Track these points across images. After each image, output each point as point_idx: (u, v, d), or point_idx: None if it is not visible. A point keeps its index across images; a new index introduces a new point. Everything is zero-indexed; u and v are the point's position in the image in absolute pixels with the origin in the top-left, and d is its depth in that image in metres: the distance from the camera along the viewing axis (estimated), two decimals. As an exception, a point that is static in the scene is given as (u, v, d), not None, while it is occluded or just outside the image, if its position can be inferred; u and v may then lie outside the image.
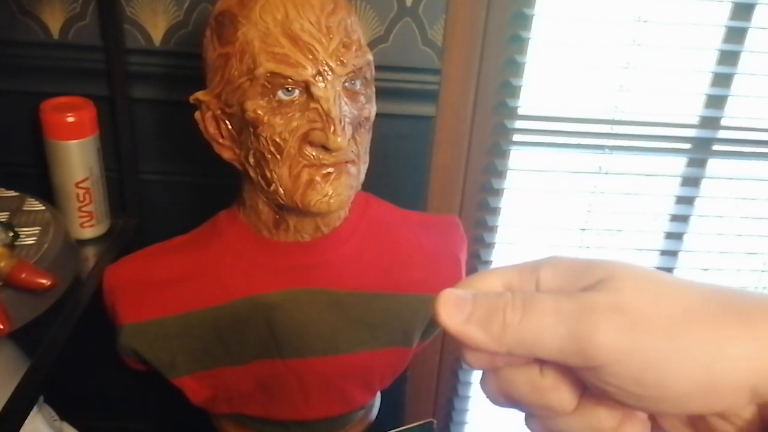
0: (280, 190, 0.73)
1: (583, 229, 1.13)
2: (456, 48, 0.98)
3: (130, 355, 0.83)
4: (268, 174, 0.73)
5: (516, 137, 1.06)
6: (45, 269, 0.81)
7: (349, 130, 0.71)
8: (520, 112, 1.05)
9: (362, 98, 0.74)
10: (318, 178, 0.72)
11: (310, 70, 0.69)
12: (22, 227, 0.87)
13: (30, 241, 0.85)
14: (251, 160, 0.74)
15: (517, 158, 1.08)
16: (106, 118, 0.98)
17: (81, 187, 0.95)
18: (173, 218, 1.09)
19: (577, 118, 1.06)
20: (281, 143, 0.71)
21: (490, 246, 1.13)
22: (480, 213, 1.11)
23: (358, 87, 0.74)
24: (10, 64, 0.97)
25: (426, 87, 1.01)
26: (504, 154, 1.07)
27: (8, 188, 0.96)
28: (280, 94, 0.70)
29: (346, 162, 0.73)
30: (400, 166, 1.06)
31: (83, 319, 0.86)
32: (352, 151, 0.74)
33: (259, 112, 0.71)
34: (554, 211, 1.13)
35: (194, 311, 0.81)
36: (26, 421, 0.94)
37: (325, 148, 0.70)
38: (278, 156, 0.72)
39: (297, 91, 0.70)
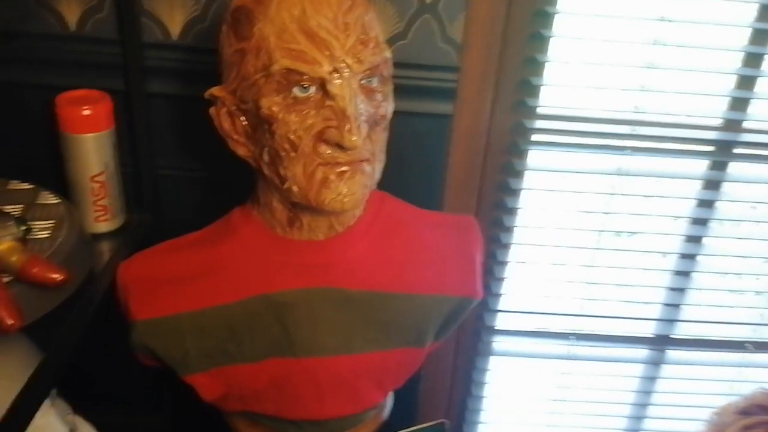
0: (294, 188, 0.72)
1: (601, 231, 1.11)
2: (475, 45, 0.97)
3: (143, 352, 0.83)
4: (282, 172, 0.72)
5: (534, 137, 1.04)
6: (58, 264, 0.81)
7: (364, 128, 0.70)
8: (539, 111, 1.03)
9: (379, 96, 0.73)
10: (332, 177, 0.71)
11: (326, 67, 0.68)
12: (36, 221, 0.87)
13: (43, 234, 0.85)
14: (266, 157, 0.73)
15: (536, 158, 1.06)
16: (123, 112, 0.97)
17: (96, 181, 0.94)
18: (189, 213, 1.08)
19: (597, 118, 1.04)
20: (296, 141, 0.70)
21: (506, 247, 1.12)
22: (497, 213, 1.10)
23: (375, 84, 0.73)
24: (27, 56, 0.97)
25: (444, 85, 0.99)
26: (522, 154, 1.05)
27: (23, 181, 0.96)
28: (296, 91, 0.69)
29: (361, 161, 0.72)
30: (416, 165, 1.05)
31: (98, 314, 0.86)
32: (368, 150, 0.73)
33: (274, 109, 0.70)
34: (572, 213, 1.11)
35: (207, 308, 0.80)
36: (38, 414, 0.94)
37: (340, 147, 0.69)
38: (293, 153, 0.71)
39: (313, 88, 0.69)
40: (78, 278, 0.85)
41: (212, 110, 0.76)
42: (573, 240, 1.12)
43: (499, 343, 1.21)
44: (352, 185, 0.72)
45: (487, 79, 0.99)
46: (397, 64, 0.97)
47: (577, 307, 1.18)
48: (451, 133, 1.03)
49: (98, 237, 0.99)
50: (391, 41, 0.97)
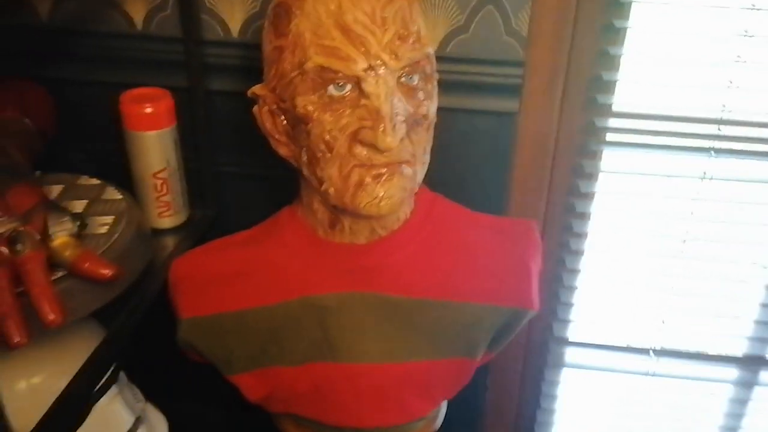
0: (331, 190, 0.70)
1: (684, 240, 1.02)
2: (542, 38, 0.91)
3: (189, 349, 0.84)
4: (320, 173, 0.70)
5: (609, 136, 0.97)
6: (113, 259, 0.83)
7: (402, 128, 0.66)
8: (613, 109, 0.96)
9: (420, 94, 0.69)
10: (368, 179, 0.68)
11: (360, 65, 0.65)
12: (98, 216, 0.90)
13: (102, 230, 0.87)
14: (304, 157, 0.71)
15: (610, 159, 0.99)
16: (185, 109, 0.99)
17: (158, 178, 0.96)
18: (250, 210, 1.08)
19: (679, 116, 0.95)
20: (331, 141, 0.68)
21: (577, 253, 1.05)
22: (567, 218, 1.03)
23: (416, 82, 0.69)
24: (96, 54, 1.00)
25: (509, 81, 0.94)
26: (594, 155, 0.98)
27: (93, 176, 0.99)
28: (331, 89, 0.66)
29: (400, 163, 0.69)
30: (480, 165, 1.00)
31: (163, 305, 0.87)
32: (407, 151, 0.69)
33: (310, 108, 0.68)
34: (651, 219, 1.02)
35: (250, 309, 0.80)
36: (104, 400, 0.97)
37: (376, 148, 0.66)
38: (328, 155, 0.68)
39: (348, 87, 0.66)
40: (132, 274, 0.87)
41: (255, 109, 0.75)
42: (652, 247, 1.03)
43: (571, 354, 1.14)
44: (390, 188, 0.68)
45: (556, 75, 0.93)
46: (458, 60, 0.93)
47: (657, 320, 1.09)
48: (516, 131, 0.97)
49: (162, 232, 1.01)
50: (451, 35, 0.92)
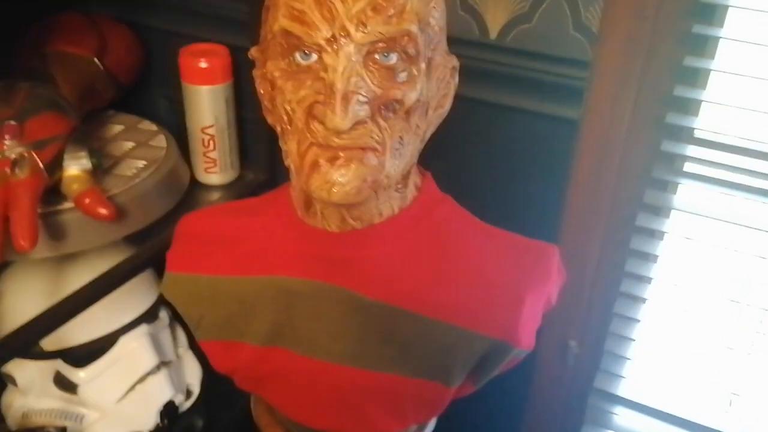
0: (291, 166, 0.65)
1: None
2: (615, 37, 0.77)
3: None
4: (283, 146, 0.66)
5: (687, 167, 0.80)
6: (124, 201, 0.86)
7: (360, 110, 0.59)
8: (696, 135, 0.78)
9: (402, 76, 0.61)
10: (322, 161, 0.62)
11: (323, 33, 0.58)
12: (136, 159, 0.93)
13: (129, 172, 0.90)
14: (278, 128, 0.67)
15: (686, 195, 0.81)
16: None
17: (206, 133, 0.98)
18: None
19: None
20: (290, 112, 0.62)
21: (634, 299, 0.88)
22: (627, 257, 0.87)
23: (394, 62, 0.61)
24: (187, 7, 1.02)
25: (571, 83, 0.81)
26: (666, 186, 0.81)
27: (154, 122, 1.03)
28: (298, 56, 0.61)
29: (364, 149, 0.62)
30: (535, 172, 0.88)
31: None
32: (372, 138, 0.62)
33: (276, 74, 0.63)
34: (732, 274, 0.83)
35: (224, 277, 0.77)
36: (131, 336, 1.02)
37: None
38: (288, 127, 0.63)
39: (315, 56, 0.60)
40: (146, 219, 0.89)
41: (253, 71, 0.72)
42: (729, 309, 0.84)
43: (618, 416, 0.98)
44: (345, 175, 0.61)
45: (627, 82, 0.78)
46: (518, 52, 0.83)
47: (725, 397, 0.89)
48: (577, 142, 0.84)
49: (208, 187, 1.02)
50: (512, 23, 0.82)
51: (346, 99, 0.57)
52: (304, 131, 0.62)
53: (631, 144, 0.81)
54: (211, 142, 0.98)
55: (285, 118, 0.63)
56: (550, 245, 0.75)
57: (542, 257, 0.73)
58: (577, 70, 0.80)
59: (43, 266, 0.95)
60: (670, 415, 0.94)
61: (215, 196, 1.01)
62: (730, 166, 0.77)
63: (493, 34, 0.83)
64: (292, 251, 0.73)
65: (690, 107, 0.77)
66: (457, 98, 0.87)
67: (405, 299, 0.70)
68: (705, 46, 0.74)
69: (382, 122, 0.61)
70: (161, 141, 0.97)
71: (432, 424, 0.86)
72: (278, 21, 0.60)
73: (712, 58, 0.75)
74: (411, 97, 0.62)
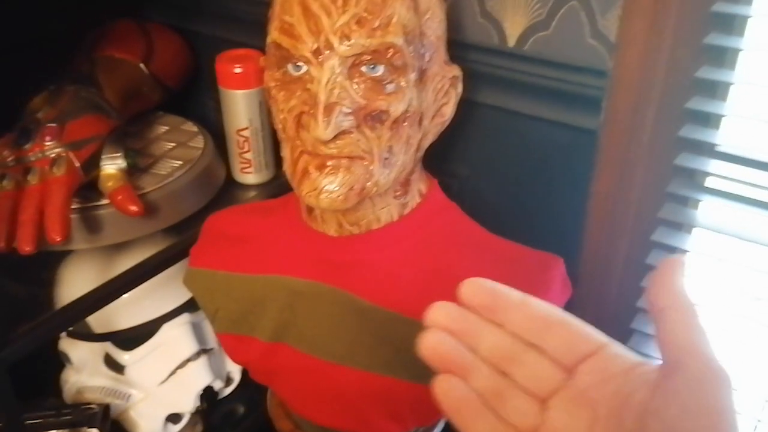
0: (287, 172, 0.68)
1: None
2: (633, 46, 0.74)
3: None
4: (281, 152, 0.69)
5: (710, 182, 0.76)
6: (157, 198, 0.91)
7: (345, 120, 0.61)
8: (719, 149, 0.75)
9: (389, 87, 0.63)
10: (312, 168, 0.64)
11: (309, 45, 0.61)
12: (173, 159, 0.99)
13: (164, 171, 0.95)
14: (278, 135, 0.70)
15: (709, 211, 0.78)
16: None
17: (241, 135, 1.02)
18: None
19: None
20: (282, 122, 0.65)
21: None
22: (647, 273, 0.84)
23: (381, 73, 0.62)
24: (232, 15, 1.07)
25: (589, 92, 0.79)
26: (687, 203, 0.78)
27: (197, 124, 1.09)
28: (290, 68, 0.64)
29: (351, 158, 0.63)
30: (555, 181, 0.87)
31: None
32: (359, 147, 0.63)
33: (271, 83, 0.66)
34: (758, 297, 0.79)
35: (237, 274, 0.81)
36: (174, 323, 1.08)
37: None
38: (283, 134, 0.67)
39: (305, 68, 0.63)
40: (178, 215, 0.94)
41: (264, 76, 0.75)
42: (748, 326, 0.80)
43: None
44: (332, 182, 0.64)
45: (647, 93, 0.75)
46: (535, 60, 0.82)
47: (747, 419, 0.84)
48: (596, 154, 0.82)
49: (245, 187, 1.07)
50: (530, 31, 0.80)
51: (328, 110, 0.59)
52: (294, 139, 0.64)
53: (653, 156, 0.78)
54: (246, 144, 1.02)
55: (280, 126, 0.66)
56: (554, 257, 0.74)
57: (543, 268, 0.72)
58: (595, 79, 0.78)
59: (96, 255, 1.02)
60: None
61: (251, 194, 1.05)
62: (753, 184, 0.73)
63: (512, 41, 0.82)
64: (296, 253, 0.76)
65: (711, 119, 0.73)
66: (477, 106, 0.87)
67: (399, 304, 0.72)
68: (725, 56, 0.71)
69: (369, 132, 0.63)
70: (199, 142, 1.02)
71: (440, 425, 0.86)
72: (271, 33, 0.63)
73: (733, 69, 0.71)
74: (398, 108, 0.63)
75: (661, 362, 0.37)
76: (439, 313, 0.40)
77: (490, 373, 0.40)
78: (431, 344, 0.40)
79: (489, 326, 0.41)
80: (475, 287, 0.41)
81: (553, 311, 0.41)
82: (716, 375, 0.35)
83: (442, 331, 0.40)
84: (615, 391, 0.37)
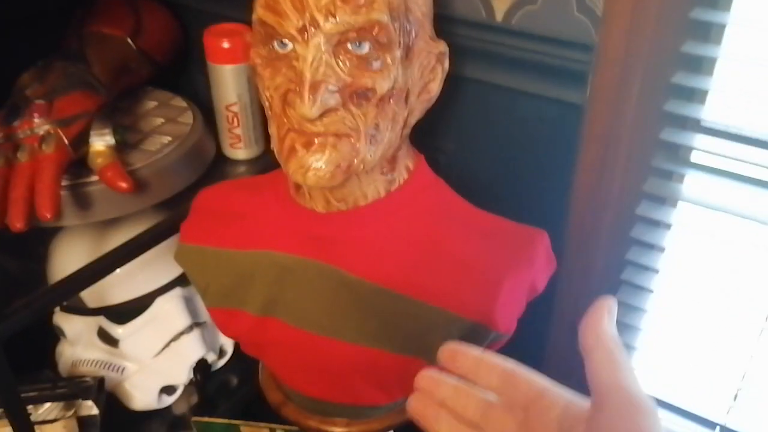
0: (275, 150, 0.68)
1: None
2: (618, 20, 0.74)
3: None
4: (269, 129, 0.69)
5: (695, 157, 0.77)
6: (146, 174, 0.91)
7: (331, 98, 0.62)
8: (704, 124, 0.75)
9: (375, 64, 0.63)
10: (298, 146, 0.65)
11: (294, 23, 0.61)
12: (163, 134, 0.99)
13: (153, 147, 0.96)
14: (266, 112, 0.70)
15: (694, 186, 0.79)
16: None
17: (230, 110, 1.02)
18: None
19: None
20: (269, 99, 0.66)
21: (642, 291, 0.87)
22: (632, 247, 0.85)
23: (367, 51, 0.62)
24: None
25: (574, 66, 0.79)
26: (672, 177, 0.79)
27: (186, 98, 1.08)
28: (276, 45, 0.64)
29: (337, 135, 0.64)
30: (541, 156, 0.88)
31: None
32: (345, 124, 0.64)
33: (257, 61, 0.66)
34: (740, 268, 0.80)
35: (226, 250, 0.82)
36: (167, 297, 1.09)
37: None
38: (269, 112, 0.67)
39: (290, 45, 0.63)
40: (167, 191, 0.94)
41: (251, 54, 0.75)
42: (736, 304, 0.81)
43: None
44: (319, 159, 0.64)
45: (632, 68, 0.76)
46: (522, 34, 0.82)
47: (730, 390, 0.87)
48: (582, 130, 0.82)
49: (235, 162, 1.07)
50: (518, 4, 0.80)
51: (314, 88, 0.60)
52: (281, 117, 0.65)
53: (637, 132, 0.78)
54: (235, 119, 1.02)
55: (267, 103, 0.66)
56: (538, 231, 0.75)
57: (528, 242, 0.73)
58: (582, 53, 0.78)
59: (87, 231, 1.03)
60: (674, 406, 0.93)
61: (240, 169, 1.05)
62: (738, 159, 0.74)
63: (499, 15, 0.82)
64: (285, 228, 0.77)
65: (696, 94, 0.74)
66: (464, 80, 0.87)
67: (386, 278, 0.73)
68: (710, 31, 0.71)
69: (354, 109, 0.63)
70: (188, 117, 1.03)
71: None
72: (256, 10, 0.63)
73: (718, 44, 0.71)
74: (383, 85, 0.63)
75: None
76: (422, 379, 0.52)
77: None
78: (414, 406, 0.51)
79: (460, 389, 0.50)
80: (447, 353, 0.53)
81: (506, 363, 0.49)
82: (639, 407, 0.40)
83: (423, 395, 0.51)
84: (558, 429, 0.43)
